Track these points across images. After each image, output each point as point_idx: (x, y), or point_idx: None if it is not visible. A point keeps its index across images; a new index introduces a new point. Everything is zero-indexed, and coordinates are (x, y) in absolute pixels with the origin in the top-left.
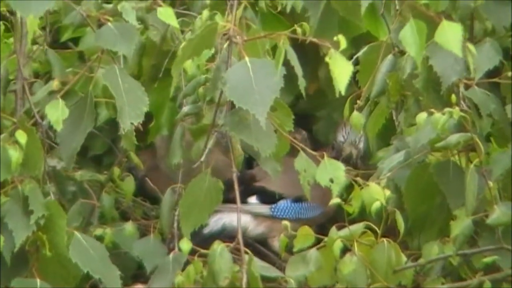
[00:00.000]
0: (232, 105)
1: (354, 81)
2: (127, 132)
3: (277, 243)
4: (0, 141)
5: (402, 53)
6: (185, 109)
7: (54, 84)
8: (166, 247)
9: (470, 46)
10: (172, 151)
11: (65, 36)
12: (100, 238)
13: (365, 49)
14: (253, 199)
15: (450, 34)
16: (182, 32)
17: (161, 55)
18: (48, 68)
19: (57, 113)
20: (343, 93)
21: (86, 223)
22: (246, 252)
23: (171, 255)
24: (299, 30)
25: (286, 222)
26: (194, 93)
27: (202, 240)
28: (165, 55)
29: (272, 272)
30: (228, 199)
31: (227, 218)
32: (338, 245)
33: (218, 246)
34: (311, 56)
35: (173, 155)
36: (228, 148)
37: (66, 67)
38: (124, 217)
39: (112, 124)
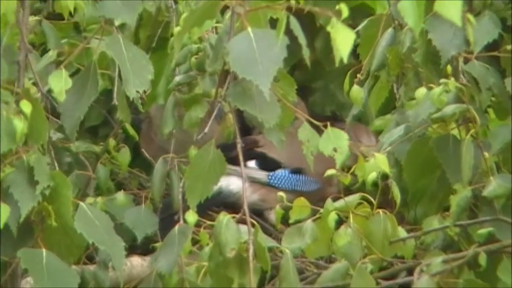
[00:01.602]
0: (234, 76)
1: (353, 55)
2: (121, 103)
3: (273, 216)
4: (2, 111)
5: (402, 26)
6: (177, 78)
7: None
8: (158, 216)
9: (470, 17)
10: (164, 121)
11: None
12: None
13: (365, 22)
14: (252, 163)
15: (450, 3)
16: (176, 2)
17: (156, 25)
18: (43, 39)
19: (60, 83)
20: (345, 61)
21: (82, 194)
22: (253, 224)
23: (176, 227)
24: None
25: (281, 193)
26: (186, 62)
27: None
28: (160, 26)
29: (268, 242)
30: (227, 159)
31: (224, 181)
32: (332, 217)
33: (224, 217)
34: (307, 27)
35: (165, 124)
36: (225, 119)
37: (61, 38)
38: (120, 188)
39: (108, 95)
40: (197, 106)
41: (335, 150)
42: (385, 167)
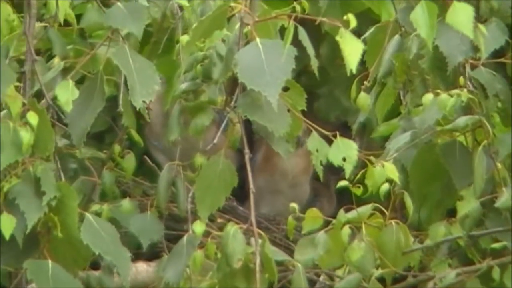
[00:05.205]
0: (243, 87)
1: (359, 62)
2: (127, 109)
3: None
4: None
5: (409, 33)
6: (183, 86)
7: (58, 61)
8: (163, 223)
9: (481, 27)
10: (170, 128)
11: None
12: (97, 215)
13: (372, 29)
14: None
15: (462, 15)
16: (182, 9)
17: (162, 31)
18: (48, 45)
19: (67, 94)
20: (354, 71)
21: (87, 200)
22: (260, 234)
23: (185, 237)
24: (298, 8)
25: (293, 204)
26: (192, 70)
27: None
28: (165, 32)
29: (280, 255)
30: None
31: None
32: (346, 232)
33: (231, 228)
34: (312, 33)
35: (171, 132)
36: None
37: (66, 44)
38: (125, 196)
39: (113, 101)
40: (203, 113)
41: (344, 159)
42: (394, 176)
